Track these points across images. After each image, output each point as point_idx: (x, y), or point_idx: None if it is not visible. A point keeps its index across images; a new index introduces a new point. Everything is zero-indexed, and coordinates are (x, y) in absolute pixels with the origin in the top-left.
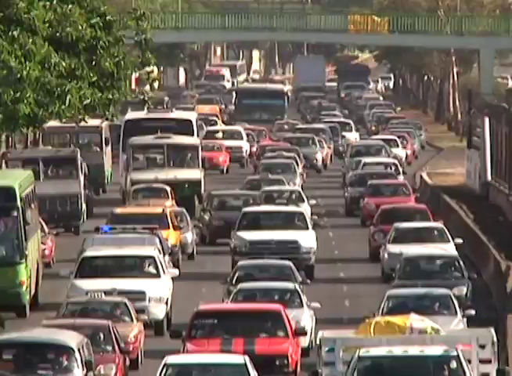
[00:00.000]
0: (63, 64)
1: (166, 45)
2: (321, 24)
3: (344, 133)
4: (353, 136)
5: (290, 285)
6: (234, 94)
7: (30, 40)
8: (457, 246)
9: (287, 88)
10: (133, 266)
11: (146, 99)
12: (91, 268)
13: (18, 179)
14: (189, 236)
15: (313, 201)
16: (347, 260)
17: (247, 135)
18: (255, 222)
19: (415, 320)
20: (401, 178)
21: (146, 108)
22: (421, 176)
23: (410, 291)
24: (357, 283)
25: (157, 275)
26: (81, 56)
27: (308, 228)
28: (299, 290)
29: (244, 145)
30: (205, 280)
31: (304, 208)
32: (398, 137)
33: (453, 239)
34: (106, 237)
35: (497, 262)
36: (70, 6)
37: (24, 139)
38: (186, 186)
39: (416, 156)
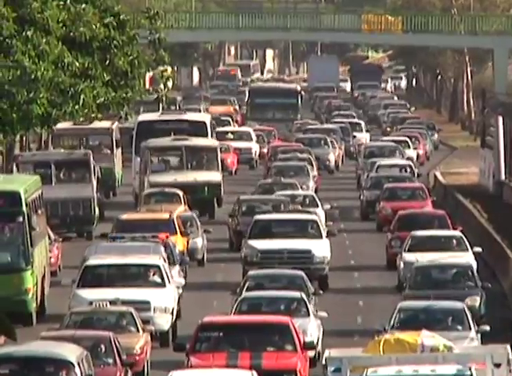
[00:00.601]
0: (77, 64)
1: (179, 45)
2: (334, 24)
3: (354, 133)
4: (363, 137)
5: (296, 294)
6: (247, 93)
7: (44, 40)
8: (476, 254)
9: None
10: (137, 275)
11: (161, 96)
12: (95, 277)
13: (24, 184)
14: (199, 242)
15: (327, 206)
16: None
17: (257, 136)
18: (267, 231)
19: (426, 337)
20: (411, 175)
21: (160, 107)
22: (435, 176)
23: (422, 304)
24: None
25: (162, 284)
26: (95, 55)
27: (321, 236)
28: (305, 299)
29: (254, 146)
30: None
31: (318, 215)
32: (410, 138)
33: (472, 247)
34: (110, 245)
35: None
36: (83, 6)
37: (38, 138)
38: (207, 188)
39: (428, 157)
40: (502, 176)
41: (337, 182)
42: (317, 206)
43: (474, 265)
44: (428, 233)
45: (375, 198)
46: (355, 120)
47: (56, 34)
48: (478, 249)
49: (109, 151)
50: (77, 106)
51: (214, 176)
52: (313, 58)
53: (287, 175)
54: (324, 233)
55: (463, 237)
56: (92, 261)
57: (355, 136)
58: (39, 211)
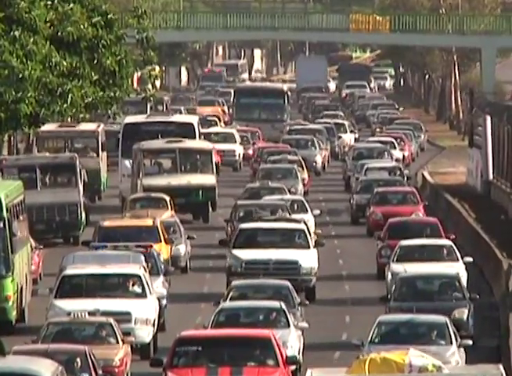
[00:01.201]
0: (65, 63)
1: (167, 45)
2: (323, 23)
3: (339, 134)
4: (348, 137)
5: (275, 304)
6: (232, 93)
7: (32, 39)
8: (467, 264)
9: (287, 87)
10: (117, 286)
11: (148, 96)
12: (72, 287)
13: (5, 189)
14: (182, 249)
15: (317, 211)
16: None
17: (242, 137)
18: (252, 240)
19: (414, 356)
20: (401, 178)
21: (147, 107)
22: (423, 175)
23: (403, 317)
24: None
25: (143, 295)
26: (83, 54)
27: (309, 246)
28: (285, 309)
29: (237, 148)
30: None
31: (307, 221)
32: (395, 138)
33: (462, 257)
34: (88, 254)
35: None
36: (71, 5)
37: (26, 138)
38: (201, 192)
39: (413, 158)
40: (490, 176)
41: (323, 184)
42: (306, 211)
43: (464, 275)
44: (417, 242)
45: (365, 202)
46: (340, 120)
47: (44, 33)
48: (469, 259)
49: (95, 154)
50: (65, 105)
51: (209, 179)
52: (301, 58)
53: (275, 178)
54: (312, 243)
55: (454, 246)
56: (70, 270)
57: (340, 137)
58: (21, 217)
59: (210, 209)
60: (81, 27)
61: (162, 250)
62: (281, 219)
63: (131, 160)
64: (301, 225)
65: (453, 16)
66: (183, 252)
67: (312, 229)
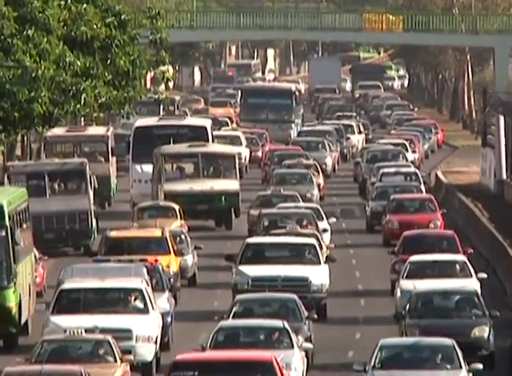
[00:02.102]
0: (78, 63)
1: (181, 44)
2: (335, 23)
3: (348, 135)
4: (357, 138)
5: (277, 323)
6: (239, 93)
7: (45, 39)
8: (481, 280)
9: (295, 87)
10: (117, 301)
11: (161, 99)
12: (70, 302)
13: (8, 196)
14: (189, 260)
15: (333, 219)
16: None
17: (250, 139)
18: (260, 255)
19: None
20: (419, 184)
21: (160, 108)
22: (436, 175)
23: (406, 341)
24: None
25: (145, 310)
26: (96, 54)
27: (319, 262)
28: (288, 328)
29: (243, 151)
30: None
31: (322, 229)
32: (407, 140)
33: (476, 273)
34: (87, 267)
35: None
36: (84, 5)
37: (39, 138)
38: (224, 198)
39: (422, 160)
40: (504, 175)
41: (335, 188)
42: (322, 219)
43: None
44: (428, 257)
45: (381, 209)
46: (348, 121)
47: (57, 33)
48: (483, 275)
49: (104, 159)
50: (78, 106)
51: (232, 185)
52: (314, 60)
53: (290, 183)
54: (323, 258)
55: (467, 262)
56: (68, 284)
57: (348, 138)
58: (24, 225)
59: (234, 216)
60: (95, 26)
61: (171, 262)
62: (290, 233)
63: (142, 165)
64: (312, 240)
65: (466, 16)
66: (190, 263)
67: (327, 239)
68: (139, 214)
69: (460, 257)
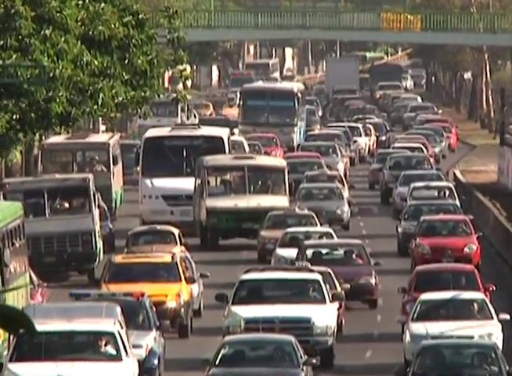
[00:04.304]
0: (96, 63)
1: (198, 44)
2: (353, 22)
3: (355, 138)
4: (363, 141)
5: (271, 372)
6: (238, 94)
7: (63, 39)
8: (503, 322)
9: (297, 87)
10: (86, 346)
11: (180, 97)
12: (31, 348)
13: None
14: (195, 289)
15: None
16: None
17: (252, 145)
18: (256, 294)
19: None
20: (457, 202)
21: (179, 108)
22: (454, 174)
23: None
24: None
25: (118, 357)
26: (114, 54)
27: (324, 301)
28: None
29: None
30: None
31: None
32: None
33: (497, 314)
34: (51, 307)
35: None
36: (102, 5)
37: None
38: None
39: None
40: None
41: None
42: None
43: (499, 336)
44: (440, 296)
45: (414, 231)
46: (354, 124)
47: (75, 32)
48: (506, 316)
49: (105, 168)
50: (95, 106)
51: (281, 201)
52: (331, 60)
53: (317, 199)
54: (328, 297)
55: (487, 301)
56: None
57: (355, 141)
58: (17, 245)
59: None
60: (112, 26)
61: (182, 290)
62: (291, 268)
63: (152, 180)
64: (315, 275)
65: (484, 15)
66: (196, 293)
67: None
68: (134, 240)
69: (479, 295)
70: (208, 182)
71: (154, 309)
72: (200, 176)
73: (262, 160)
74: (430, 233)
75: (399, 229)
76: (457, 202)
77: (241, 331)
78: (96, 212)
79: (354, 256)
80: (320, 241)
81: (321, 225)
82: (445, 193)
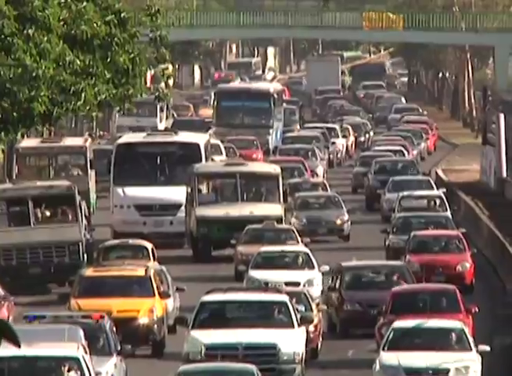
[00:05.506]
0: (78, 62)
1: (180, 43)
2: (336, 21)
3: (332, 140)
4: (341, 142)
5: None
6: (212, 95)
7: (45, 38)
8: (482, 354)
9: (273, 87)
10: (46, 372)
11: (162, 95)
12: None
13: None
14: (170, 303)
15: (326, 267)
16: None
17: (228, 148)
18: (218, 317)
19: None
20: (448, 214)
21: (157, 108)
22: (436, 173)
23: None
24: None
25: None
26: (96, 53)
27: (292, 325)
28: None
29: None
30: None
31: (312, 279)
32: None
33: (476, 345)
34: None
35: None
36: (84, 4)
37: (40, 137)
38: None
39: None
40: (504, 173)
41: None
42: (312, 267)
43: (478, 371)
44: (413, 323)
45: (403, 245)
46: (331, 125)
47: (57, 32)
48: (485, 347)
49: (82, 172)
50: (78, 103)
51: (275, 210)
52: (311, 59)
53: (313, 208)
54: (296, 320)
55: (466, 331)
56: None
57: (333, 143)
58: None
59: None
60: (95, 25)
61: (156, 305)
62: (256, 289)
63: (124, 188)
64: (282, 297)
65: (466, 14)
66: (171, 308)
67: (317, 296)
68: (104, 254)
69: (457, 324)
70: (199, 190)
71: (115, 331)
72: (190, 184)
73: (255, 166)
74: (420, 250)
75: (388, 243)
76: (448, 213)
77: (201, 358)
78: (83, 221)
79: (395, 278)
80: (359, 263)
81: (302, 241)
82: (435, 203)
